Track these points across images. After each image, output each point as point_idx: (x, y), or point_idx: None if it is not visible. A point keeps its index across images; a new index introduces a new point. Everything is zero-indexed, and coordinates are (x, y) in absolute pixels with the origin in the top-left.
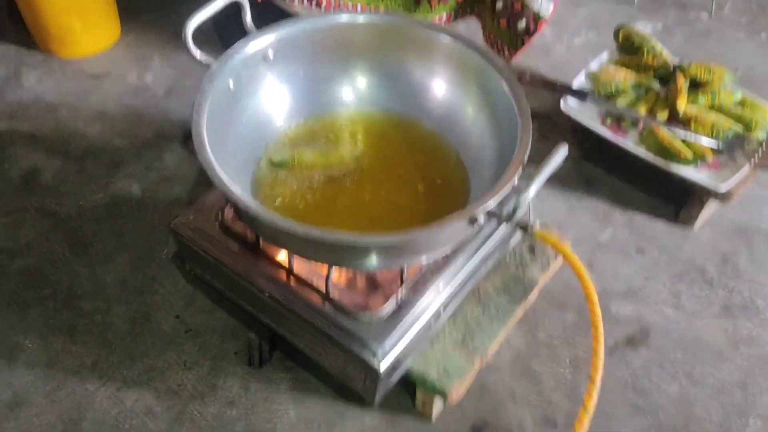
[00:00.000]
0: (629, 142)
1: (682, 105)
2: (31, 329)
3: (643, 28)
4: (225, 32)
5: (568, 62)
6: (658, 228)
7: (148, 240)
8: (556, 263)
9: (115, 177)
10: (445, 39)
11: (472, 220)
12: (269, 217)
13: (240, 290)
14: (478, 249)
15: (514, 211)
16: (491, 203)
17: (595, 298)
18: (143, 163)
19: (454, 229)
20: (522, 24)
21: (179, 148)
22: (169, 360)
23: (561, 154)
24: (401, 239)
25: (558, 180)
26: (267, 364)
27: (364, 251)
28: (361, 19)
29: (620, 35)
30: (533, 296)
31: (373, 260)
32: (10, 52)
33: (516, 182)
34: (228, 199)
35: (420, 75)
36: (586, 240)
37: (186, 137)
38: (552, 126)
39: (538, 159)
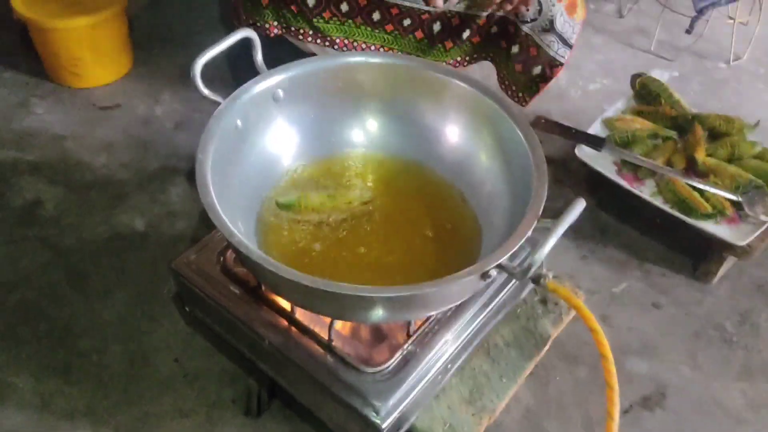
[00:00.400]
0: (646, 192)
1: (701, 156)
2: (25, 368)
3: (659, 75)
4: (238, 70)
5: (583, 108)
6: (674, 282)
7: (149, 276)
8: (569, 316)
9: (118, 210)
10: (458, 83)
11: (485, 276)
12: (270, 265)
13: (240, 335)
14: (489, 301)
15: (529, 267)
16: (504, 259)
17: (610, 356)
18: (147, 197)
19: (465, 284)
20: (537, 69)
21: (185, 182)
22: (165, 406)
23: (578, 209)
24: (409, 294)
25: (571, 229)
26: (265, 413)
27: (368, 305)
28: (373, 60)
29: (637, 83)
30: (545, 350)
31: (378, 314)
32: (21, 80)
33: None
34: (229, 243)
35: (432, 119)
36: (600, 292)
37: (192, 172)
38: (566, 172)
39: (550, 203)
